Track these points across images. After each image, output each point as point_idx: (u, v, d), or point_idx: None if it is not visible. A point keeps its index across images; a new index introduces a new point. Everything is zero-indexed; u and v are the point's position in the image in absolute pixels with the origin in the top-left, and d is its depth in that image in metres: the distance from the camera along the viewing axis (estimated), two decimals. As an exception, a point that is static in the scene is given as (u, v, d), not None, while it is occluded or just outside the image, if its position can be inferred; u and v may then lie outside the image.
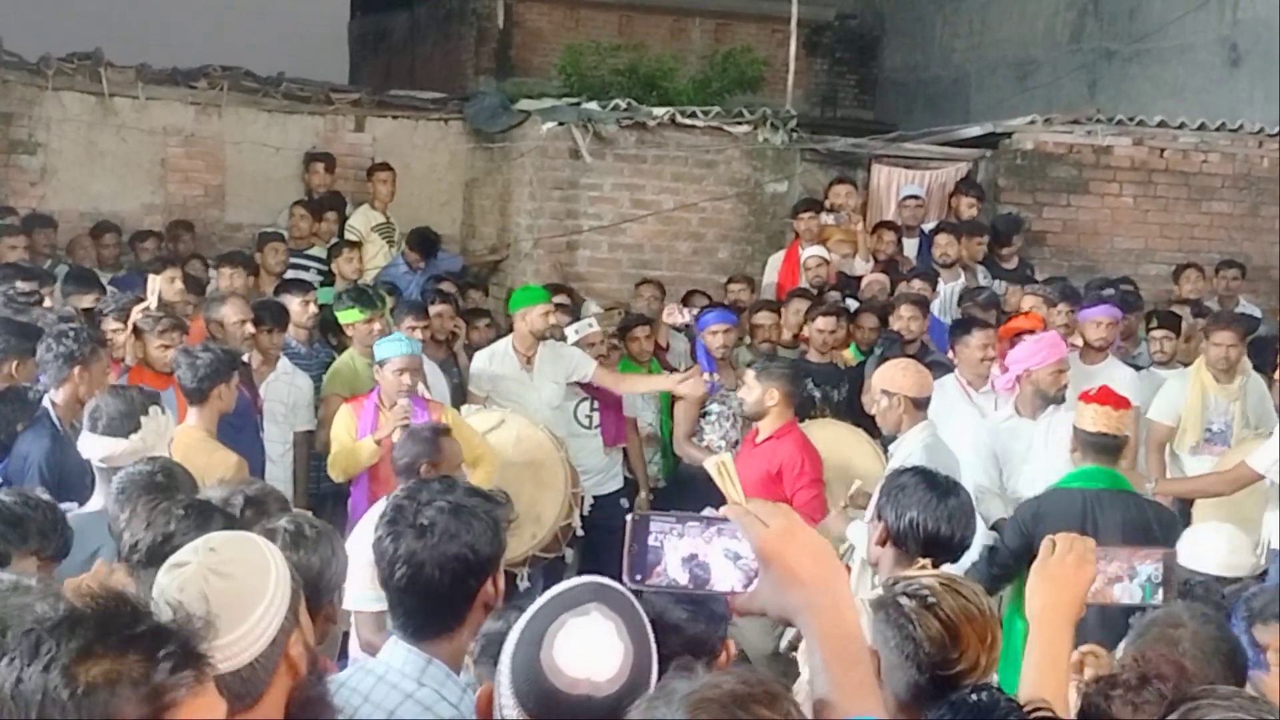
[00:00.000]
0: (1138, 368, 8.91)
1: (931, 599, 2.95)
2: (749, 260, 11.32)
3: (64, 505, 4.32)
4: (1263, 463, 6.82)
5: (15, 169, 11.03)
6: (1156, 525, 5.80)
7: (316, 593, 3.07)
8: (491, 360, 8.36)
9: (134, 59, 11.61)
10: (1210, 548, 5.51)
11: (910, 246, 11.18)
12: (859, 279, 10.42)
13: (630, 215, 11.17)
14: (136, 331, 6.98)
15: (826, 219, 10.88)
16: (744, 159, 11.45)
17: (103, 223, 10.75)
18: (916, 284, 9.67)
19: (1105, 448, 5.97)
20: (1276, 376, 8.20)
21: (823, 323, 8.83)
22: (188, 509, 3.61)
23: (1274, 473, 6.77)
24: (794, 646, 3.85)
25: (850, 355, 8.96)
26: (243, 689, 2.33)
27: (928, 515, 4.16)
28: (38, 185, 11.07)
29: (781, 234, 11.34)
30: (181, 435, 5.89)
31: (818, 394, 8.66)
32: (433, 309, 8.77)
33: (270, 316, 7.84)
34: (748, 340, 9.20)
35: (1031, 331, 8.01)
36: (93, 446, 4.87)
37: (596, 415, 8.59)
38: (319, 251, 10.67)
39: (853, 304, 9.77)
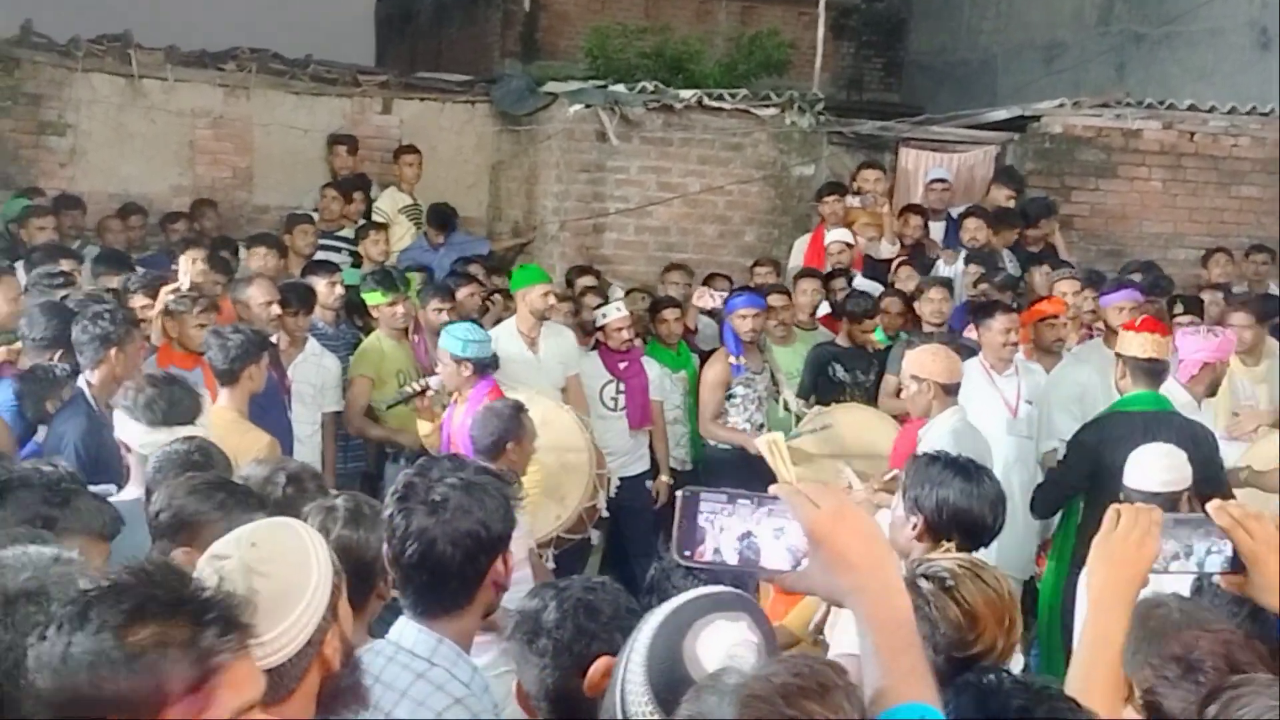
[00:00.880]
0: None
1: (950, 582, 2.96)
2: (775, 243, 11.30)
3: (101, 488, 4.33)
4: None
5: (44, 150, 11.09)
6: (1205, 443, 6.35)
7: (370, 571, 3.09)
8: (496, 341, 8.36)
9: (163, 41, 11.66)
10: (1149, 466, 5.55)
11: (937, 230, 11.13)
12: (885, 262, 10.41)
13: (657, 198, 11.16)
14: (166, 312, 7.01)
15: (852, 202, 10.86)
16: (770, 142, 11.42)
17: (130, 204, 10.81)
18: (971, 269, 9.66)
19: (1155, 372, 6.53)
20: None
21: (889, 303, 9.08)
22: (208, 486, 3.64)
23: None
24: (819, 629, 3.85)
25: (876, 339, 8.96)
26: (275, 686, 2.33)
27: (969, 501, 4.15)
28: (67, 166, 11.12)
29: (808, 217, 11.32)
30: (214, 416, 5.92)
31: (847, 378, 8.67)
32: (460, 291, 8.81)
33: (297, 298, 7.86)
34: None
35: (1055, 316, 8.02)
36: (158, 439, 4.84)
37: (622, 397, 8.61)
38: (348, 233, 10.70)
39: (878, 287, 9.77)
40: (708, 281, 10.03)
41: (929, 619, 2.90)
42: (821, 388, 8.66)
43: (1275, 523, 2.42)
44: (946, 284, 9.25)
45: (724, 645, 2.11)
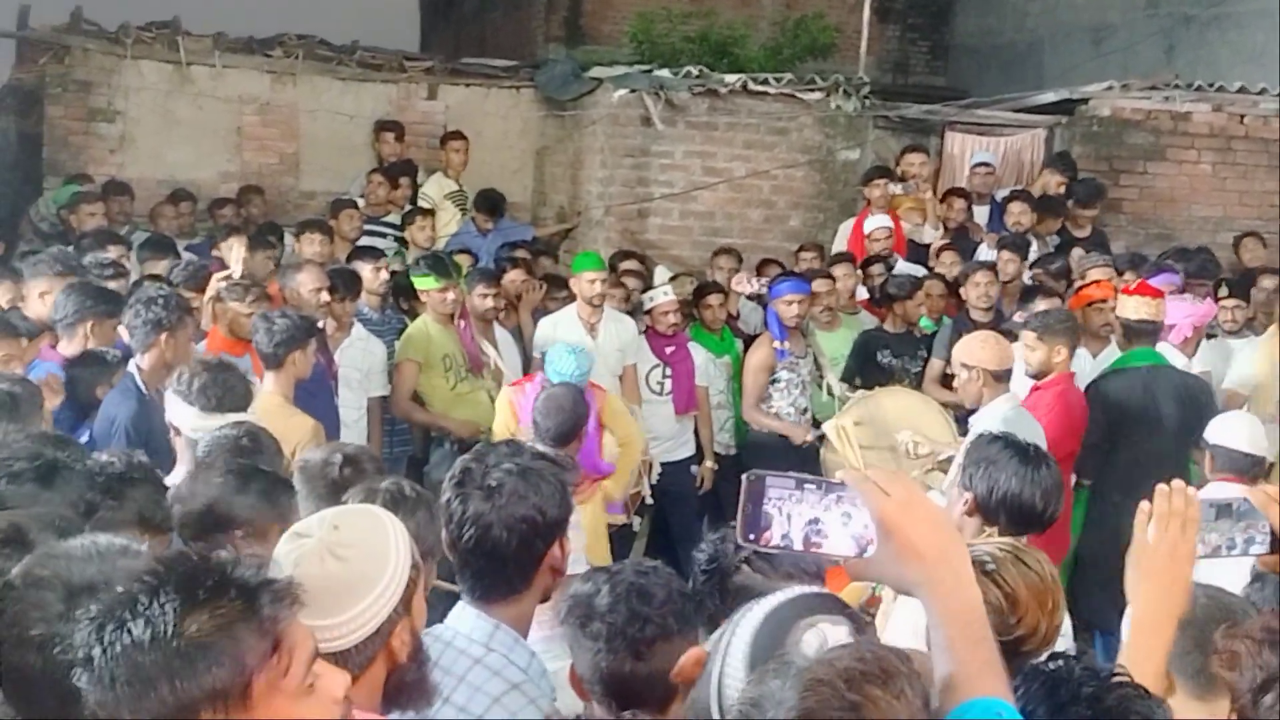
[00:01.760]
0: (1210, 335, 8.85)
1: (991, 565, 2.94)
2: (820, 228, 11.28)
3: (148, 472, 4.38)
4: None
5: (94, 137, 11.18)
6: (1198, 392, 7.17)
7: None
8: (556, 327, 8.42)
9: (211, 28, 11.75)
10: (1237, 426, 5.97)
11: (981, 214, 11.07)
12: (928, 247, 10.37)
13: (702, 183, 11.16)
14: (218, 298, 7.06)
15: (895, 188, 10.81)
16: (816, 126, 11.39)
17: (179, 190, 10.89)
18: (1005, 254, 9.56)
19: (1149, 332, 7.21)
20: None
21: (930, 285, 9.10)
22: (226, 474, 3.66)
23: None
24: (867, 612, 3.83)
25: (922, 324, 8.94)
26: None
27: (1022, 485, 4.12)
28: (116, 153, 11.22)
29: (853, 202, 11.28)
30: (260, 400, 5.96)
31: (895, 363, 8.66)
32: (507, 275, 8.87)
33: (343, 284, 7.88)
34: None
35: (1104, 300, 7.99)
36: (209, 424, 4.89)
37: (669, 382, 8.62)
38: (394, 219, 10.75)
39: (922, 272, 9.74)
40: (760, 268, 10.02)
41: None
42: (868, 373, 8.65)
43: None
44: (992, 268, 9.21)
45: (829, 646, 2.09)
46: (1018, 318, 8.60)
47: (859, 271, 9.63)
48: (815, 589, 2.24)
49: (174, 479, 4.67)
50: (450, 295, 7.99)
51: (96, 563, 2.48)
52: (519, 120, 12.20)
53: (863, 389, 8.36)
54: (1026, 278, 9.57)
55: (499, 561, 2.90)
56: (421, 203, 10.95)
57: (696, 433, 8.82)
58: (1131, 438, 6.83)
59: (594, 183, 11.32)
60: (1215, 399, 7.36)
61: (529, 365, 8.43)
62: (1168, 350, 7.51)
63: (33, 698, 2.26)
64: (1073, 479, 6.79)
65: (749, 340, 9.01)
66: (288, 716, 2.00)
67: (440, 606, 3.04)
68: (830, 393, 8.61)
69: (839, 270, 9.39)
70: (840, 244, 10.71)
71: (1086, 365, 7.78)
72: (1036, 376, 6.75)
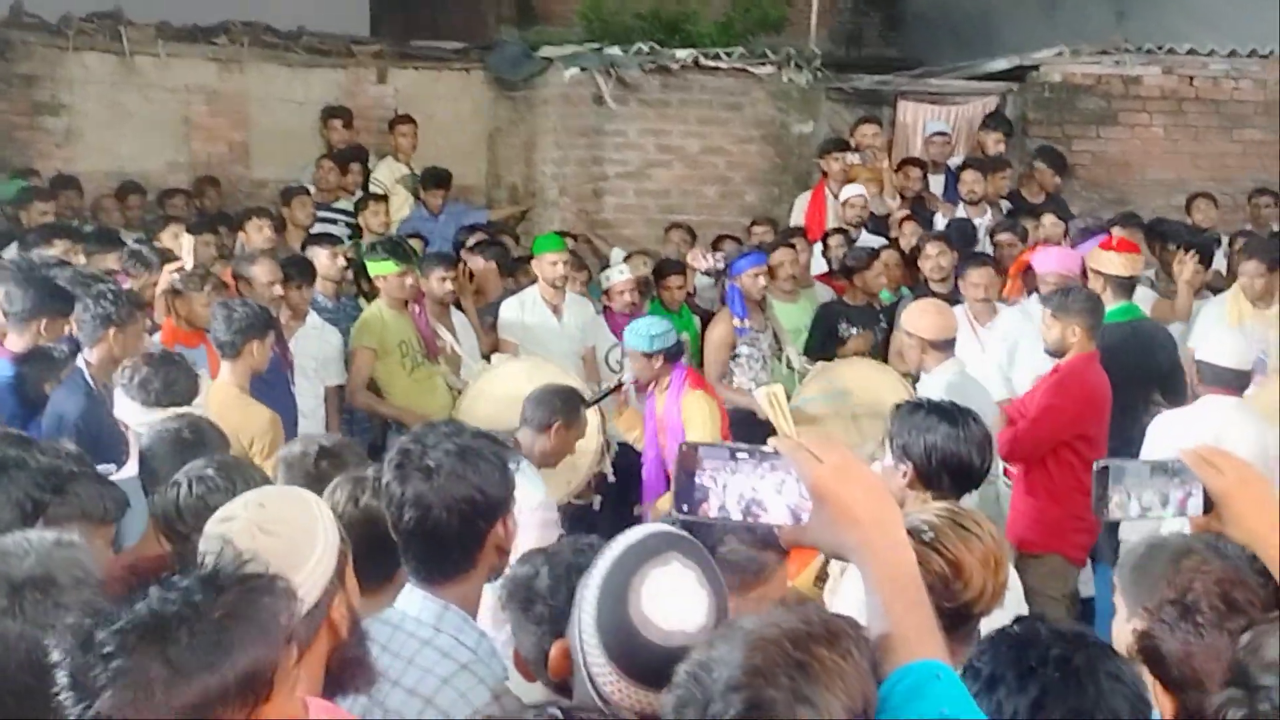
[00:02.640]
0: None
1: (930, 535, 2.94)
2: (776, 202, 11.26)
3: (102, 467, 4.32)
4: None
5: (40, 131, 11.03)
6: (1170, 344, 7.52)
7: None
8: (521, 307, 8.42)
9: (154, 17, 11.56)
10: (1224, 342, 6.49)
11: (936, 183, 11.12)
12: (887, 218, 10.38)
13: (656, 160, 11.12)
14: (174, 290, 7.00)
15: (853, 159, 10.81)
16: (769, 100, 11.37)
17: (127, 183, 10.75)
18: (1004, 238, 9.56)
19: (1130, 286, 7.47)
20: None
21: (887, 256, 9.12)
22: (220, 468, 3.62)
23: None
24: (820, 578, 3.84)
25: (881, 296, 8.96)
26: None
27: (956, 445, 4.16)
28: (63, 147, 11.07)
29: (808, 175, 11.27)
30: (216, 391, 5.95)
31: (856, 335, 8.66)
32: (478, 259, 8.93)
33: (298, 272, 7.84)
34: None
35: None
36: (154, 419, 4.84)
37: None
38: (346, 205, 10.68)
39: (882, 243, 9.76)
40: (716, 243, 10.00)
41: None
42: (829, 345, 8.65)
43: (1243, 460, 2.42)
44: (943, 238, 9.25)
45: (666, 598, 2.12)
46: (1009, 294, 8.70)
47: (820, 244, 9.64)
48: (647, 530, 2.24)
49: (127, 474, 4.64)
50: (409, 280, 7.94)
51: (34, 557, 2.48)
52: (470, 102, 12.12)
53: (823, 361, 8.37)
54: (986, 245, 9.62)
55: (442, 542, 2.88)
56: (373, 188, 10.87)
57: (656, 411, 8.82)
58: (1122, 388, 6.87)
59: (548, 163, 11.26)
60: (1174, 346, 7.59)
61: (493, 348, 8.39)
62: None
63: None
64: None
65: (706, 317, 8.99)
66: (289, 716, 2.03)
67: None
68: (790, 366, 8.60)
69: (801, 246, 9.36)
70: (797, 217, 10.72)
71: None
72: (1055, 355, 6.67)
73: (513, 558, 2.97)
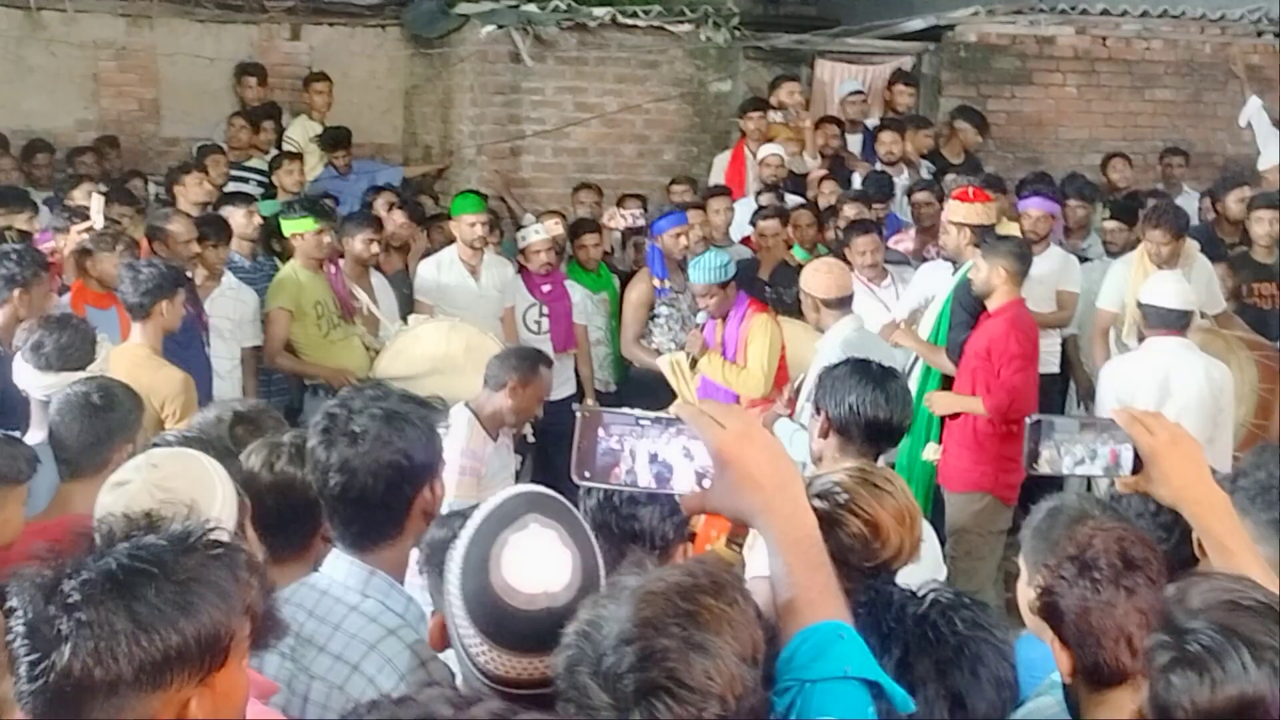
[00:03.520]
0: (1086, 259, 9.00)
1: (844, 497, 2.95)
2: (695, 161, 11.25)
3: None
4: None
5: (-58, 89, 10.77)
6: None
7: (314, 510, 3.05)
8: (439, 269, 8.38)
9: (60, -30, 11.32)
10: (1166, 284, 6.78)
11: (854, 142, 11.15)
12: (805, 176, 10.42)
13: (574, 119, 11.05)
14: (83, 251, 6.88)
15: (774, 117, 10.82)
16: (687, 59, 11.33)
17: (34, 141, 10.50)
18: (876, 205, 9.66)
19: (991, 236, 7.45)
20: None
21: (764, 225, 9.04)
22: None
23: None
24: (736, 540, 3.87)
25: (795, 254, 9.00)
26: None
27: (870, 402, 4.22)
28: (-34, 105, 10.82)
29: (727, 134, 11.27)
30: (126, 353, 5.85)
31: (770, 294, 8.69)
32: (393, 217, 8.84)
33: (214, 231, 7.73)
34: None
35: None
36: (49, 383, 4.77)
37: (546, 321, 8.60)
38: (259, 163, 10.53)
39: (802, 202, 9.81)
40: (621, 203, 9.99)
41: (833, 539, 2.88)
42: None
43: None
44: (864, 198, 9.32)
45: (526, 562, 2.12)
46: (895, 243, 8.77)
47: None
48: (508, 494, 2.24)
49: (30, 440, 4.56)
50: (326, 239, 7.86)
51: None
52: (386, 60, 11.97)
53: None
54: (904, 206, 9.68)
55: (368, 507, 2.85)
56: (287, 146, 10.70)
57: (577, 371, 8.82)
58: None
59: (465, 121, 11.16)
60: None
61: (408, 310, 8.34)
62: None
63: None
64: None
65: (625, 276, 8.98)
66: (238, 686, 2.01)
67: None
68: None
69: (716, 203, 9.40)
70: (716, 176, 10.71)
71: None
72: (982, 296, 6.95)
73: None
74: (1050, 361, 8.44)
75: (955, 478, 6.93)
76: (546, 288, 8.62)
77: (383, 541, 2.88)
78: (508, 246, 9.23)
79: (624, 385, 8.74)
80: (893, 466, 7.10)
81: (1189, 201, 10.65)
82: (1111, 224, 9.19)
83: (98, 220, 7.13)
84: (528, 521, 2.14)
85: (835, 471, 3.08)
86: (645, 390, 7.89)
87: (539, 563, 2.11)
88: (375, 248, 8.18)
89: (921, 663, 2.27)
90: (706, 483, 2.04)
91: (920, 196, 9.43)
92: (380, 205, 9.16)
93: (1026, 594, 2.84)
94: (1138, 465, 2.40)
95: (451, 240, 8.63)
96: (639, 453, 2.04)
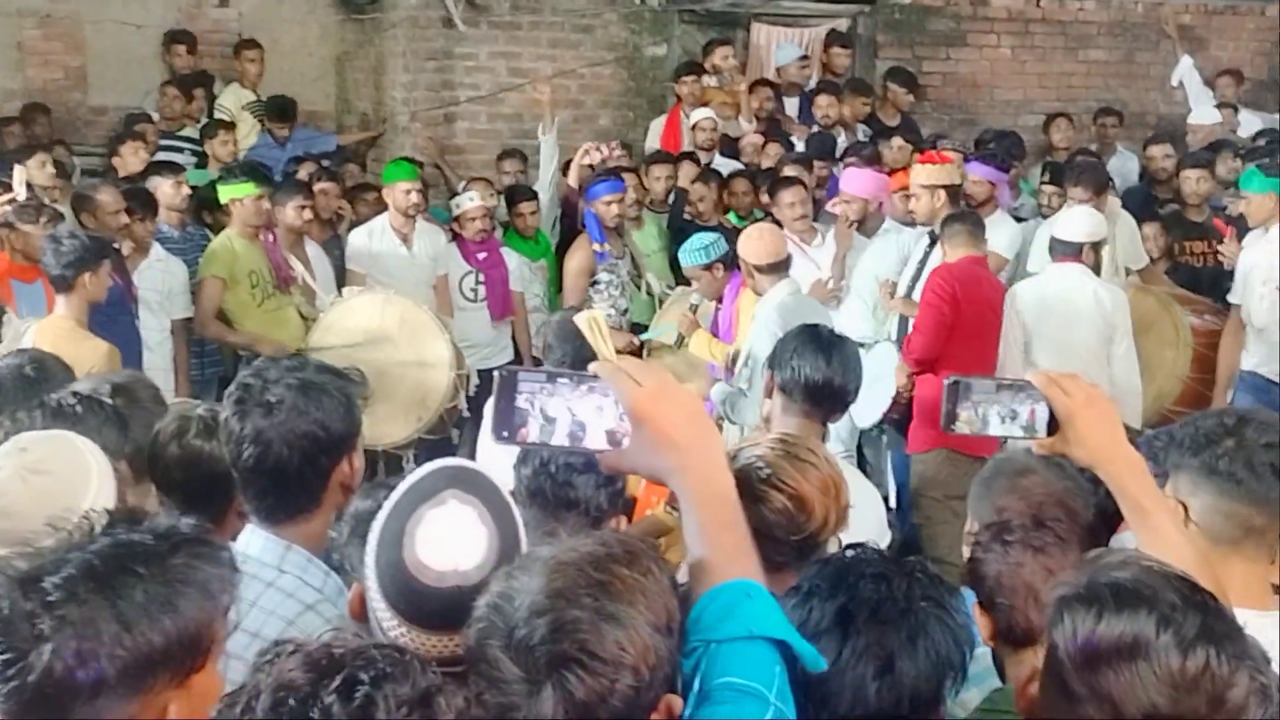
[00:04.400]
0: (1020, 219, 9.04)
1: (767, 470, 2.94)
2: (631, 126, 11.20)
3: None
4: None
5: None
6: None
7: (226, 483, 3.01)
8: (370, 237, 8.32)
9: (-20, -64, 11.08)
10: (1070, 219, 7.38)
11: (792, 106, 11.13)
12: (740, 140, 10.41)
13: (508, 84, 10.96)
14: (6, 224, 6.77)
15: (709, 81, 10.79)
16: (621, 22, 11.27)
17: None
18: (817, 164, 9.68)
19: (958, 195, 7.67)
20: None
21: (695, 189, 9.11)
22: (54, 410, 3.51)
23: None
24: (674, 506, 3.88)
25: (730, 218, 9.00)
26: None
27: (808, 364, 4.22)
28: (-117, 74, 10.58)
29: (662, 98, 11.22)
30: (49, 326, 5.79)
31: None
32: (317, 187, 8.70)
33: (140, 204, 7.63)
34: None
35: (906, 187, 8.14)
36: None
37: (482, 288, 8.56)
38: (191, 132, 10.38)
39: (738, 166, 9.79)
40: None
41: (758, 515, 2.84)
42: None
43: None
44: (806, 160, 9.33)
45: (439, 539, 2.09)
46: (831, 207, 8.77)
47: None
48: (428, 469, 2.22)
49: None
50: (265, 204, 7.78)
51: None
52: (317, 26, 11.79)
53: (681, 285, 8.39)
54: (839, 169, 9.67)
55: (284, 480, 2.80)
56: (218, 115, 10.56)
57: (514, 338, 8.79)
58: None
59: (398, 88, 11.04)
60: None
61: (342, 280, 8.26)
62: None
63: None
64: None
65: (563, 244, 8.96)
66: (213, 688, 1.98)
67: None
68: (649, 292, 8.63)
69: (657, 171, 9.39)
70: (652, 141, 10.67)
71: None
72: (925, 223, 7.38)
73: None
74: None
75: (912, 439, 7.00)
76: (482, 255, 8.57)
77: (299, 515, 2.84)
78: (440, 213, 9.14)
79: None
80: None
81: (1125, 161, 10.75)
82: (1050, 187, 9.25)
83: (20, 191, 7.02)
84: (446, 497, 2.10)
85: (757, 445, 3.07)
86: (587, 357, 7.89)
87: (452, 540, 2.08)
88: (308, 214, 8.11)
89: (861, 614, 2.23)
90: (625, 441, 2.02)
91: (854, 161, 9.42)
92: (303, 175, 9.05)
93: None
94: (1054, 426, 2.41)
95: (378, 209, 8.56)
96: (552, 411, 2.03)
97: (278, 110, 10.51)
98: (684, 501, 2.05)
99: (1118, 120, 11.29)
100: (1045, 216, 9.00)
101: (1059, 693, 2.00)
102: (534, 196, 9.16)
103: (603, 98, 11.26)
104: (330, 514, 2.93)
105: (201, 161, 9.92)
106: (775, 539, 2.82)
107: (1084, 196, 8.07)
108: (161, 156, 9.47)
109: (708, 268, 7.00)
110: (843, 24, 11.91)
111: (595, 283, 8.37)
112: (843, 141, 10.32)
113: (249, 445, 2.79)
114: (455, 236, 8.61)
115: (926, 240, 7.48)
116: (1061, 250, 7.26)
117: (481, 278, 8.55)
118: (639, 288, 8.65)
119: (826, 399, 4.27)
